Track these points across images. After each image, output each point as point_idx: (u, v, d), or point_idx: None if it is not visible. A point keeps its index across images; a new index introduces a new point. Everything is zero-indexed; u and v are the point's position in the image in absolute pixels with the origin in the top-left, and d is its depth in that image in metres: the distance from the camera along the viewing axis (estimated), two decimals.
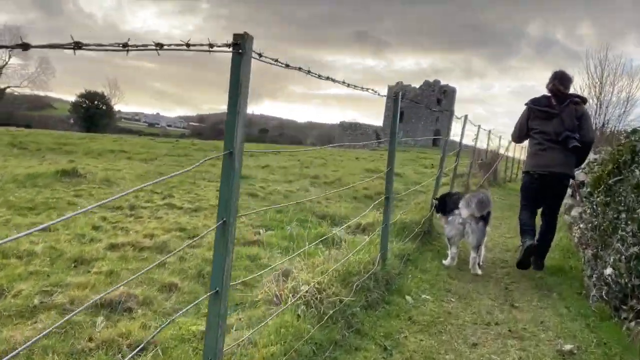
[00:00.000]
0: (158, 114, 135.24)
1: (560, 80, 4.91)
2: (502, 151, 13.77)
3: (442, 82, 58.59)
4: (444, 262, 5.05)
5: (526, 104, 5.08)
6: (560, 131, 4.76)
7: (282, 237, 5.58)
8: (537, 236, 4.94)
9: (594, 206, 4.53)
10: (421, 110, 55.96)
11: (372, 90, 3.41)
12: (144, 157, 16.20)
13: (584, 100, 5.03)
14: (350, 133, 53.44)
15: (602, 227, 4.13)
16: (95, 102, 55.12)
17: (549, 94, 4.97)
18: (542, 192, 4.98)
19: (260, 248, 5.10)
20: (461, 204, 4.84)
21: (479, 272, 4.86)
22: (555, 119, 4.82)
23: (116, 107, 66.22)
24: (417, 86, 58.39)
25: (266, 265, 4.31)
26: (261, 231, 5.80)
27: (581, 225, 5.14)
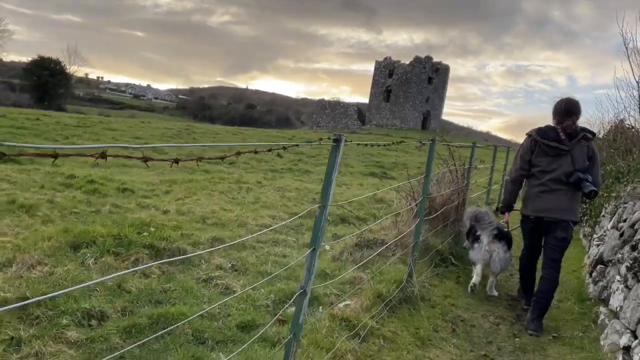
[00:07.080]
0: (149, 85, 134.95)
1: (577, 115, 4.19)
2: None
3: (435, 60, 53.68)
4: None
5: (530, 135, 4.33)
6: (570, 172, 4.14)
7: None
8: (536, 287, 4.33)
9: None
10: (410, 88, 51.21)
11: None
12: None
13: (593, 135, 4.31)
14: (330, 112, 48.75)
15: None
16: (50, 69, 48.74)
17: (556, 126, 4.23)
18: (544, 235, 4.33)
19: None
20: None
21: (495, 293, 4.94)
22: (564, 157, 4.17)
23: (105, 78, 62.12)
24: (407, 62, 53.37)
25: None
26: None
27: None
